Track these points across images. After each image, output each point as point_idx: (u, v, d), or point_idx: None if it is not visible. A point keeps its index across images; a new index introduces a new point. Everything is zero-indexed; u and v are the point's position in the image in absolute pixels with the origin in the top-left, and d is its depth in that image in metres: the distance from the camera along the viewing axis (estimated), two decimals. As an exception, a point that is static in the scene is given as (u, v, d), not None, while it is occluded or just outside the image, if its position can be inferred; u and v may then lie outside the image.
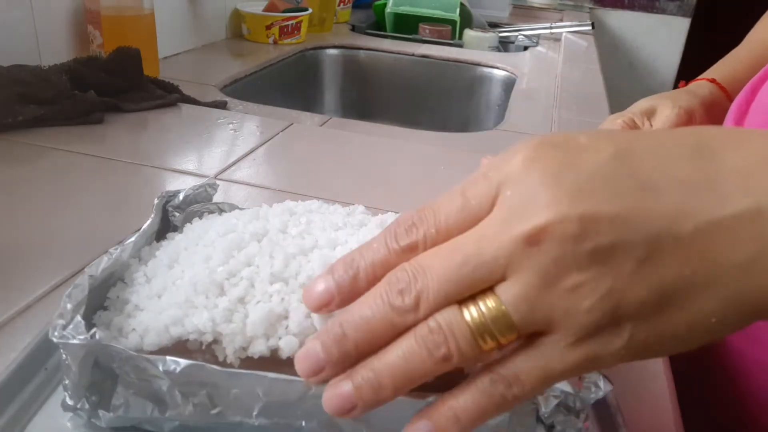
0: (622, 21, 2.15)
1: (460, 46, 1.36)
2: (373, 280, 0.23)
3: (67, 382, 0.28)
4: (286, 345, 0.27)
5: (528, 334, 0.21)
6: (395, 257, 0.23)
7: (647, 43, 2.15)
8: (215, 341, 0.28)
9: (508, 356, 0.22)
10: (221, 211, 0.38)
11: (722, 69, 0.62)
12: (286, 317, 0.28)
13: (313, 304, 0.24)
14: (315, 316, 0.27)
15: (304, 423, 0.28)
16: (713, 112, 0.57)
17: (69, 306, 0.28)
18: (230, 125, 0.72)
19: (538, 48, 1.42)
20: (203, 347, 0.28)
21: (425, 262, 0.22)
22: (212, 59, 1.06)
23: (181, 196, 0.37)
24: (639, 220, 0.20)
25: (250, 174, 0.60)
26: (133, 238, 0.33)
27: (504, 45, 1.51)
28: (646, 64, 2.18)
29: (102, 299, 0.31)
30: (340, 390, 0.23)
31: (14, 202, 0.50)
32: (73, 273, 0.41)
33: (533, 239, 0.20)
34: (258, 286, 0.29)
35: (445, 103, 1.23)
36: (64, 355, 0.27)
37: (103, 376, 0.28)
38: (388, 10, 1.46)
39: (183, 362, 0.26)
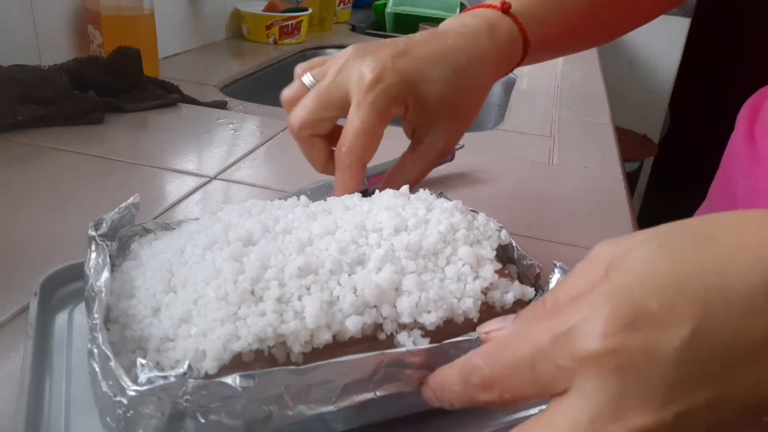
0: (622, 21, 2.15)
1: (460, 46, 1.36)
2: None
3: None
4: (352, 325, 0.29)
5: None
6: (480, 404, 0.25)
7: (647, 43, 2.15)
8: (278, 344, 0.28)
9: None
10: (147, 231, 0.37)
11: (530, 7, 0.46)
12: (336, 302, 0.29)
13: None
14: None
15: (375, 394, 0.28)
16: (497, 71, 0.45)
17: (112, 359, 0.25)
18: (230, 125, 0.72)
19: (538, 48, 1.42)
20: (262, 354, 0.27)
21: None
22: (212, 59, 1.06)
23: (108, 222, 0.35)
24: (730, 401, 0.20)
25: (250, 174, 0.60)
26: (100, 280, 0.30)
27: (504, 45, 1.51)
28: (646, 64, 2.18)
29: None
30: None
31: (14, 202, 0.50)
32: (73, 273, 0.41)
33: None
34: (290, 283, 0.29)
35: (445, 103, 1.23)
36: (141, 409, 0.24)
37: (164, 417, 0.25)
38: (388, 10, 1.46)
39: (256, 373, 0.25)
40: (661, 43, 2.13)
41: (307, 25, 1.22)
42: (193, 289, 0.29)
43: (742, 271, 0.21)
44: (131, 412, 0.25)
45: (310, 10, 1.23)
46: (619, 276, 0.22)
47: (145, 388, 0.24)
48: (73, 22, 0.83)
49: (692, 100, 2.35)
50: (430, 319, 0.30)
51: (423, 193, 0.39)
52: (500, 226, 0.37)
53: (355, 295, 0.29)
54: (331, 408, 0.27)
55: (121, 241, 0.36)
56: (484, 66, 0.43)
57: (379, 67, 0.39)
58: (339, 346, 0.29)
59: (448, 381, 0.26)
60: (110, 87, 0.72)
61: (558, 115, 0.91)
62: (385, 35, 1.41)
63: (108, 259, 0.32)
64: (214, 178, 0.58)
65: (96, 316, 0.28)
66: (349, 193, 0.40)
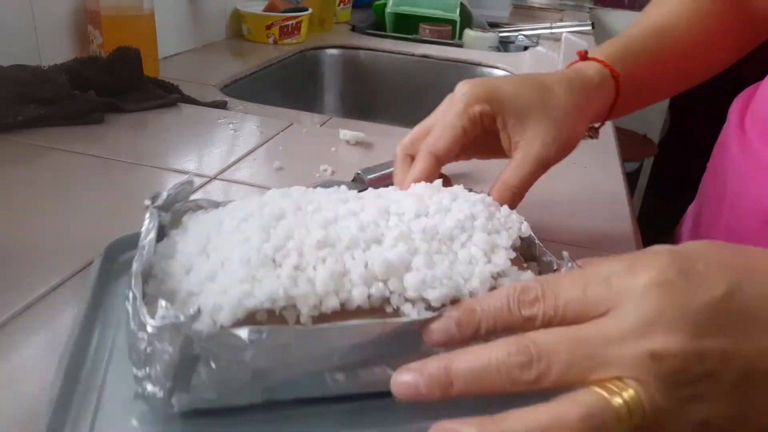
0: (622, 21, 2.15)
1: (460, 46, 1.36)
2: (492, 333, 0.27)
3: (148, 370, 0.29)
4: (358, 294, 0.30)
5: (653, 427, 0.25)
6: (516, 322, 0.27)
7: (647, 43, 2.14)
8: (286, 307, 0.30)
9: None
10: (199, 207, 0.40)
11: (623, 55, 0.51)
12: (347, 274, 0.31)
13: (432, 342, 0.29)
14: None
15: (376, 358, 0.31)
16: (593, 109, 0.48)
17: (138, 297, 0.29)
18: (230, 125, 0.72)
19: (538, 48, 1.42)
20: (274, 315, 0.30)
21: (549, 345, 0.25)
22: (212, 59, 1.06)
23: (164, 196, 0.39)
24: (738, 355, 0.24)
25: (250, 174, 0.60)
26: (146, 240, 0.34)
27: (504, 45, 1.51)
28: (646, 64, 2.17)
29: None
30: None
31: (14, 202, 0.50)
32: (74, 273, 0.41)
33: (658, 356, 0.24)
34: (308, 253, 0.32)
35: (445, 103, 1.23)
36: (147, 346, 0.28)
37: (179, 363, 0.29)
38: (388, 10, 1.46)
39: (266, 328, 0.28)
40: (661, 43, 2.13)
41: (307, 25, 1.22)
42: (222, 254, 0.32)
43: None
44: (150, 347, 0.28)
45: (310, 10, 1.23)
46: (677, 248, 0.27)
47: (159, 323, 0.27)
48: (73, 22, 0.83)
49: (692, 100, 2.35)
50: (434, 295, 0.31)
51: (456, 187, 0.40)
52: (522, 219, 0.38)
53: (365, 268, 0.31)
54: (332, 367, 0.30)
55: (174, 215, 0.39)
56: (563, 77, 0.47)
57: (468, 83, 0.45)
58: (346, 314, 0.30)
59: (489, 301, 0.28)
60: (110, 87, 0.72)
61: (558, 115, 0.90)
62: (385, 35, 1.41)
63: (157, 223, 0.36)
64: (214, 178, 0.58)
65: (135, 265, 0.31)
66: (415, 182, 0.42)
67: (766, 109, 0.49)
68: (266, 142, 0.68)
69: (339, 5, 1.44)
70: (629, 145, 2.07)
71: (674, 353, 0.24)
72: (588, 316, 0.26)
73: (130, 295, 0.30)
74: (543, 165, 0.44)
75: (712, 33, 0.55)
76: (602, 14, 2.17)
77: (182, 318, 0.27)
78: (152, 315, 0.28)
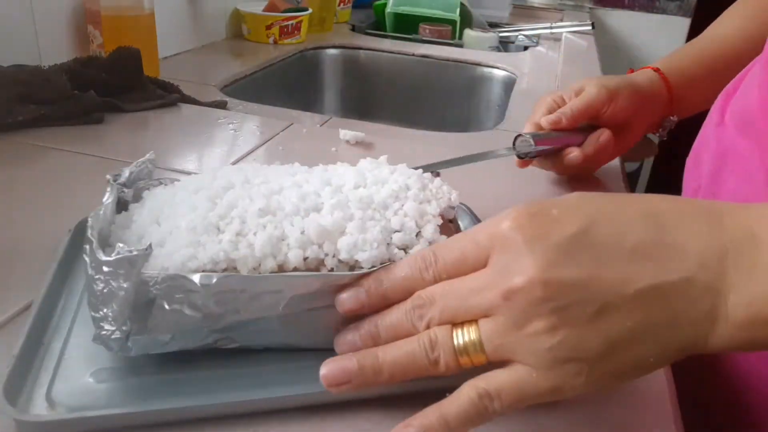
0: (622, 21, 2.15)
1: (460, 46, 1.36)
2: (398, 295, 0.32)
3: (106, 311, 0.31)
4: (293, 257, 0.33)
5: (501, 360, 0.28)
6: (418, 286, 0.31)
7: (647, 43, 2.15)
8: (230, 268, 0.32)
9: (493, 375, 0.28)
10: (163, 184, 0.42)
11: (671, 60, 0.65)
12: (285, 239, 0.34)
13: (345, 309, 0.32)
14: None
15: (318, 306, 0.33)
16: (648, 100, 0.60)
17: (94, 242, 0.31)
18: (230, 125, 0.73)
19: (538, 48, 1.42)
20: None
21: (437, 295, 0.30)
22: (212, 59, 1.06)
23: (126, 173, 0.41)
24: (592, 286, 0.26)
25: (250, 174, 0.60)
26: (101, 209, 0.36)
27: (504, 45, 1.51)
28: (646, 64, 2.17)
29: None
30: (343, 363, 0.30)
31: (14, 202, 0.50)
32: (73, 273, 0.41)
33: (508, 295, 0.27)
34: (250, 221, 0.34)
35: (445, 103, 1.23)
36: (103, 285, 0.30)
37: (136, 306, 0.31)
38: (388, 10, 1.46)
39: (216, 275, 0.31)
40: (661, 43, 2.13)
41: (307, 25, 1.22)
42: (172, 222, 0.35)
43: (627, 210, 0.28)
44: (107, 288, 0.30)
45: (310, 10, 1.23)
46: (542, 200, 0.29)
47: (113, 258, 0.30)
48: (73, 22, 0.83)
49: (692, 100, 2.35)
50: (364, 256, 0.33)
51: (399, 165, 0.42)
52: (452, 190, 0.40)
53: (302, 233, 0.34)
54: (278, 315, 0.33)
55: (137, 191, 0.41)
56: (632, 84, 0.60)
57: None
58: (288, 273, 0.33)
59: (395, 271, 0.32)
60: (110, 87, 0.72)
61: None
62: (385, 35, 1.41)
63: (116, 196, 0.39)
64: (214, 178, 0.58)
65: (91, 220, 0.34)
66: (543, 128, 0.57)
67: (744, 103, 0.51)
68: (266, 142, 0.68)
69: (339, 5, 1.44)
70: (629, 145, 2.06)
71: (523, 288, 0.26)
72: (471, 270, 0.29)
73: (87, 246, 0.32)
74: (589, 105, 0.57)
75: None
76: (602, 14, 2.17)
77: (135, 252, 0.30)
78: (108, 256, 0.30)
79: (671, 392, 0.37)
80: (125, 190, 0.41)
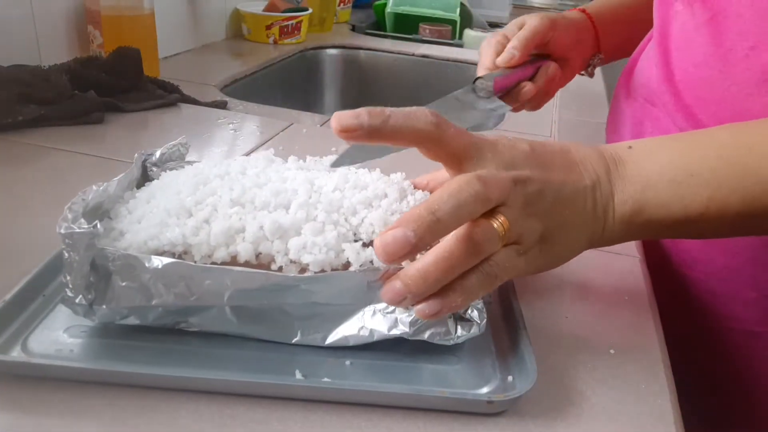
0: (622, 21, 2.15)
1: (460, 46, 1.36)
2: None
3: (69, 277, 0.34)
4: (243, 250, 0.34)
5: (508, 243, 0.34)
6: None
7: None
8: (185, 252, 0.34)
9: (497, 255, 0.33)
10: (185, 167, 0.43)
11: (594, 4, 0.69)
12: (243, 231, 0.34)
13: (388, 256, 0.32)
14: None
15: (260, 303, 0.35)
16: (581, 33, 0.65)
17: (70, 215, 0.33)
18: (230, 125, 0.73)
19: (538, 48, 1.42)
20: (175, 258, 0.34)
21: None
22: (212, 59, 1.06)
23: (157, 154, 0.44)
24: (551, 182, 0.35)
25: (250, 174, 0.60)
26: (116, 179, 0.39)
27: (504, 45, 1.50)
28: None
29: None
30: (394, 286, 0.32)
31: (14, 202, 0.50)
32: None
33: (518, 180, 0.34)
34: (220, 209, 0.35)
35: (445, 103, 1.23)
36: (66, 253, 0.33)
37: (99, 278, 0.34)
38: (388, 10, 1.46)
39: (165, 260, 0.33)
40: (661, 43, 2.12)
41: (307, 25, 1.22)
42: (157, 202, 0.37)
43: (547, 145, 0.38)
44: (68, 256, 0.33)
45: (310, 10, 1.23)
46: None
47: (64, 231, 0.33)
48: (73, 22, 0.83)
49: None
50: (309, 259, 0.34)
51: (394, 175, 0.41)
52: None
53: (260, 229, 0.34)
54: (225, 305, 0.34)
55: (164, 171, 0.43)
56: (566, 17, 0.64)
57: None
58: (234, 266, 0.34)
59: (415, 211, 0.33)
60: (110, 87, 0.72)
61: (558, 116, 0.91)
62: (385, 35, 1.41)
63: (136, 172, 0.42)
64: (214, 178, 0.58)
65: (90, 195, 0.36)
66: (504, 64, 0.58)
67: (645, 80, 0.59)
68: (266, 142, 0.68)
69: (339, 5, 1.43)
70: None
71: (497, 177, 0.33)
72: (459, 167, 0.35)
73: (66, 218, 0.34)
74: (536, 33, 0.59)
75: None
76: (602, 14, 2.16)
77: (79, 229, 0.32)
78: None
79: (671, 392, 0.37)
80: (154, 169, 0.43)
